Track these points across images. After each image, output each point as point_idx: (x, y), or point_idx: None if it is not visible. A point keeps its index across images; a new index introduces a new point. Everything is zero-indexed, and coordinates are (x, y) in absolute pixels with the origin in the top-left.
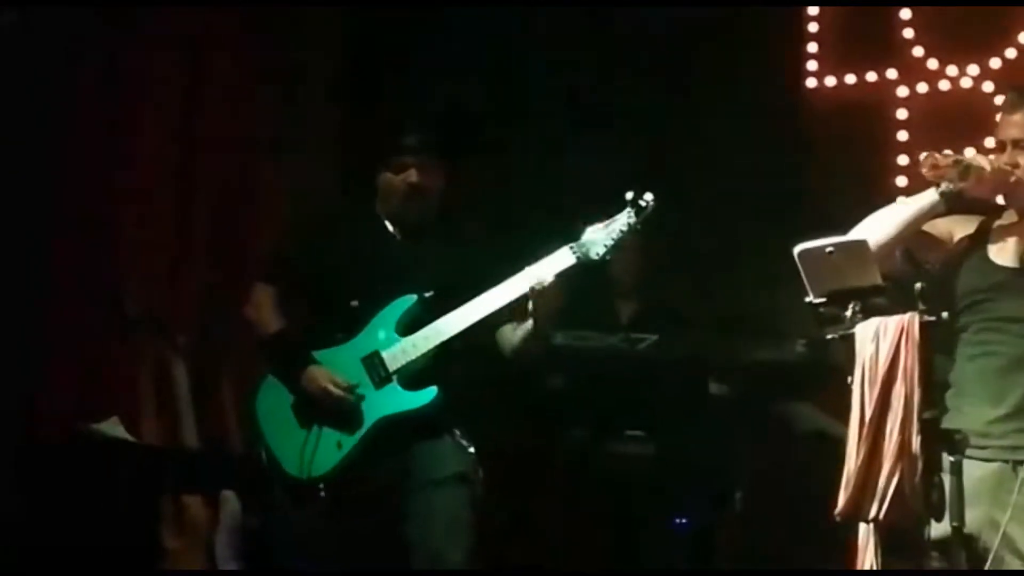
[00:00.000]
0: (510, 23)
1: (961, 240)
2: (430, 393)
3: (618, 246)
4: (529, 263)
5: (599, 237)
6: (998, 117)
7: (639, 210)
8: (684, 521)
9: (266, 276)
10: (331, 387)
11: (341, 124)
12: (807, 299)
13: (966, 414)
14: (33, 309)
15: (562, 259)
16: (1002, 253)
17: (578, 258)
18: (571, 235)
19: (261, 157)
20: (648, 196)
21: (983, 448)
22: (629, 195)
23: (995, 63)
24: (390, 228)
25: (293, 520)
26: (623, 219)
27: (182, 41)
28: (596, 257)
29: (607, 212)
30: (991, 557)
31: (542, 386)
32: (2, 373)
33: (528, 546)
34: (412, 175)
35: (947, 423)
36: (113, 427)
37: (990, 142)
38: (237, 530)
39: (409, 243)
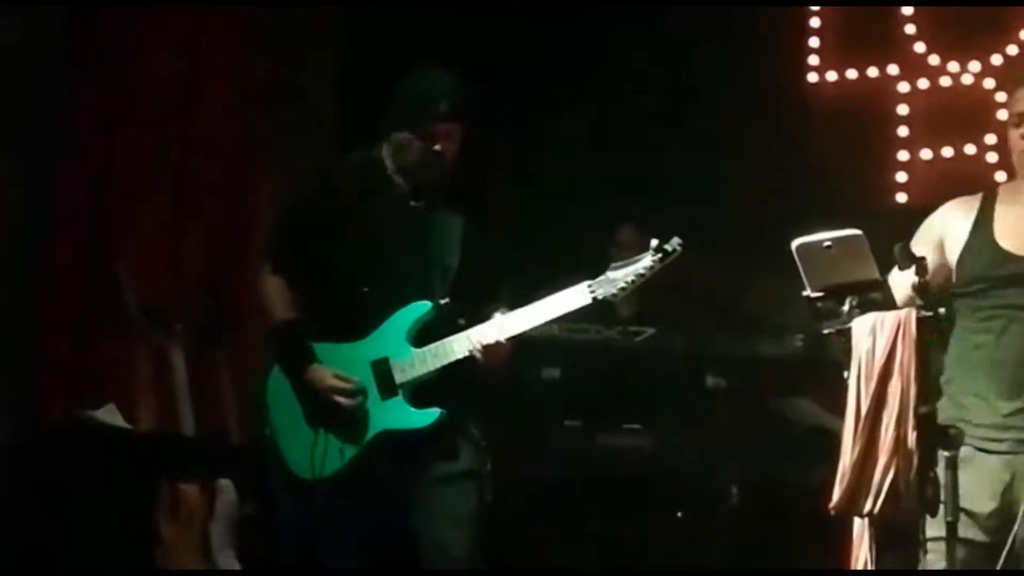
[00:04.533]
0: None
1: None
2: (433, 415)
3: (635, 287)
4: (545, 291)
5: (617, 276)
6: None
7: (664, 255)
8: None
9: (272, 266)
10: (335, 392)
11: (341, 116)
12: (804, 293)
13: (974, 406)
14: (31, 298)
15: (577, 297)
16: (1011, 239)
17: (595, 299)
18: (594, 271)
19: (259, 148)
20: (675, 240)
21: (999, 441)
22: (655, 241)
23: (996, 60)
24: (401, 184)
25: (293, 512)
26: (646, 261)
27: (181, 37)
28: (612, 298)
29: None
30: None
31: (538, 379)
32: (8, 362)
33: (523, 539)
34: (438, 145)
35: (947, 413)
36: (110, 414)
37: (991, 139)
38: (233, 518)
39: (421, 208)
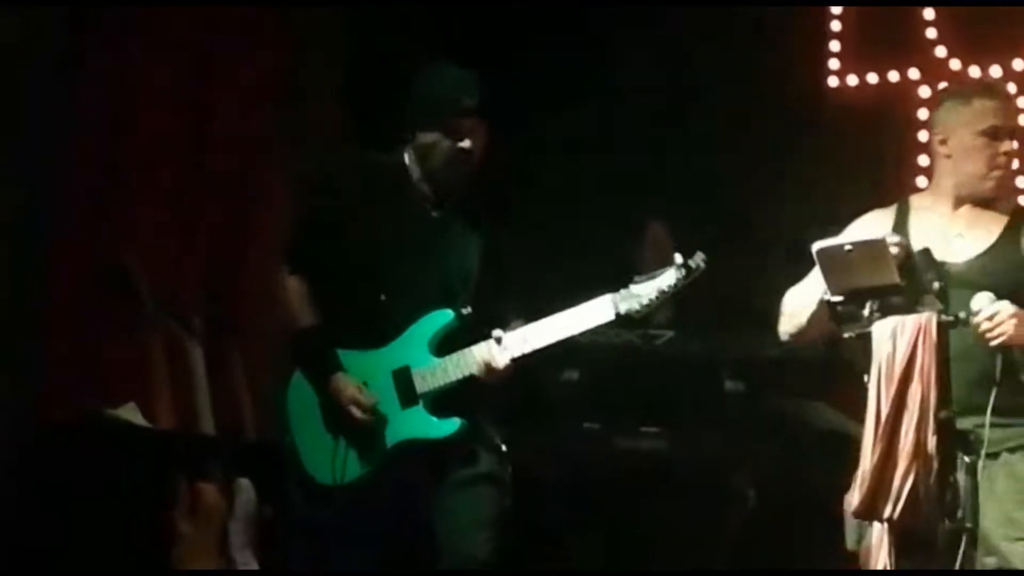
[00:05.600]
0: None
1: None
2: (453, 424)
3: (659, 304)
4: (566, 303)
5: (642, 291)
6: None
7: (689, 271)
8: None
9: (291, 270)
10: (355, 408)
11: (347, 108)
12: (824, 297)
13: None
14: (47, 295)
15: (600, 313)
16: (930, 246)
17: (617, 314)
18: (617, 284)
19: (264, 143)
20: (699, 256)
21: None
22: (679, 257)
23: (1018, 64)
24: (425, 191)
25: (312, 518)
26: (670, 278)
27: (189, 33)
28: (635, 313)
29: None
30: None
31: (557, 381)
32: (17, 359)
33: (540, 541)
34: (466, 141)
35: None
36: (130, 412)
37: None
38: (251, 517)
39: (444, 215)
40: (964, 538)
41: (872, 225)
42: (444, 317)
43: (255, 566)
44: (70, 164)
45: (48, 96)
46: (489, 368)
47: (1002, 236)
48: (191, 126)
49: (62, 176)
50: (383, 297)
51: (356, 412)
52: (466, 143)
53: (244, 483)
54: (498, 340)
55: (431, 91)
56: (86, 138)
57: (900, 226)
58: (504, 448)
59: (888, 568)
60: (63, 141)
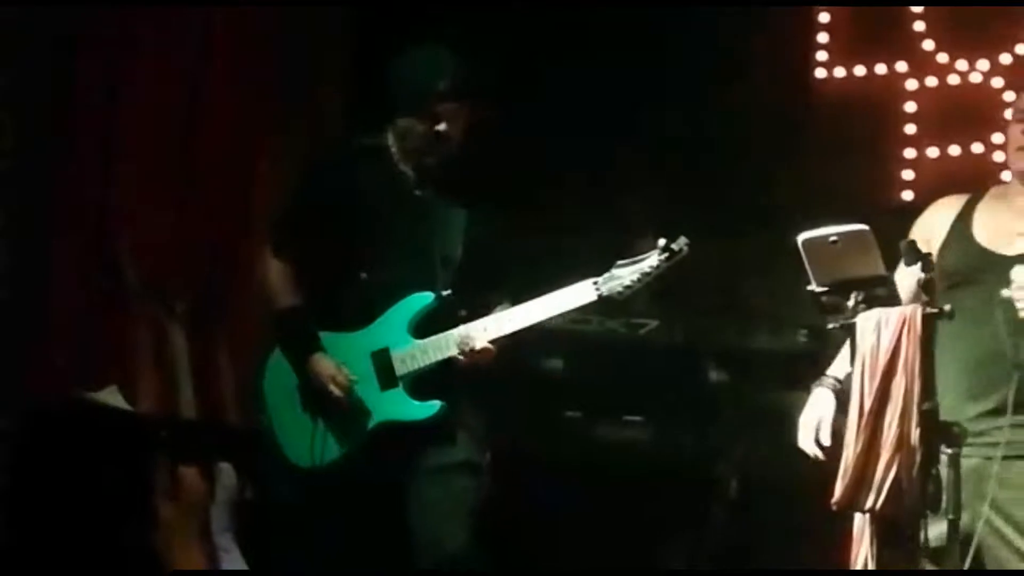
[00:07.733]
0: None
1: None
2: (433, 407)
3: (640, 286)
4: (551, 287)
5: (624, 274)
6: None
7: (671, 254)
8: None
9: (275, 247)
10: (334, 387)
11: (347, 94)
12: (809, 288)
13: (945, 408)
14: (29, 277)
15: (582, 295)
16: (988, 235)
17: (599, 296)
18: (600, 267)
19: (265, 127)
20: (682, 240)
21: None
22: (662, 241)
23: (1006, 59)
24: (407, 172)
25: (289, 500)
26: (652, 260)
27: (186, 10)
28: (617, 296)
29: (638, 249)
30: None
31: (539, 369)
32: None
33: (521, 531)
34: (442, 125)
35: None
36: (111, 395)
37: (998, 138)
38: (232, 502)
39: (425, 197)
40: (947, 531)
41: (941, 210)
42: (424, 299)
43: (235, 550)
44: (69, 147)
45: (47, 87)
46: (469, 350)
47: None
48: (191, 108)
49: (55, 163)
50: (363, 275)
51: (335, 390)
52: (442, 126)
53: (225, 467)
54: (478, 321)
55: (405, 77)
56: (85, 120)
57: (965, 214)
58: (482, 434)
59: (869, 560)
60: (61, 125)
